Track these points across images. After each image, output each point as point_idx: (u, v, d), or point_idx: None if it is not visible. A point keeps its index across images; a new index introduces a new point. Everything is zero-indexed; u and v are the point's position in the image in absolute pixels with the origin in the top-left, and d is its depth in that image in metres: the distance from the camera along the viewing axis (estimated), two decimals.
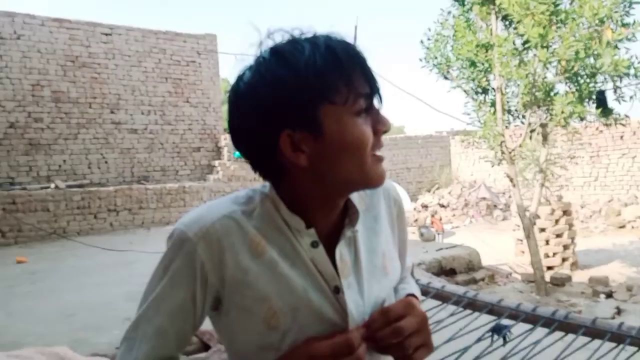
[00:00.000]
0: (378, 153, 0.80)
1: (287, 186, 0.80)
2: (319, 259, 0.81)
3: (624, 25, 6.62)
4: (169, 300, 0.80)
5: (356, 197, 0.87)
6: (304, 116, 0.73)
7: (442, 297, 3.27)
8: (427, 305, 3.06)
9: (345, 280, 0.83)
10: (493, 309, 2.95)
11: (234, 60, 0.80)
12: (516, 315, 2.80)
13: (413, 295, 0.97)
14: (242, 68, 0.79)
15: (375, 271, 0.88)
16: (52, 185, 10.91)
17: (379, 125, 0.78)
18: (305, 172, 0.77)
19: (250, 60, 0.79)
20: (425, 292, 3.25)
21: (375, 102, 0.78)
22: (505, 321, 2.87)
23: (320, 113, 0.73)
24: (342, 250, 0.84)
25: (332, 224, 0.84)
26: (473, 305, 3.08)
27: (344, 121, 0.74)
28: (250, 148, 0.80)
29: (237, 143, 0.81)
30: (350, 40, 0.77)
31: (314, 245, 0.81)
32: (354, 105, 0.75)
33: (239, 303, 0.80)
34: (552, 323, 2.54)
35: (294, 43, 0.74)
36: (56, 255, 8.44)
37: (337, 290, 0.81)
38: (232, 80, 0.81)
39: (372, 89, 0.76)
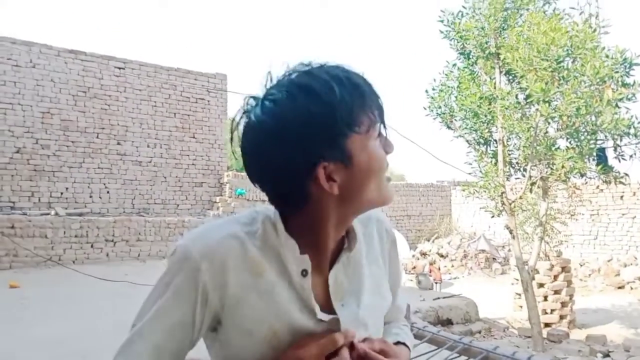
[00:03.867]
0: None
1: (306, 213, 0.81)
2: (305, 288, 0.82)
3: (624, 85, 6.78)
4: (167, 317, 0.80)
5: (355, 222, 0.89)
6: (337, 148, 0.77)
7: (437, 342, 3.23)
8: (421, 349, 3.02)
9: (339, 302, 0.85)
10: (488, 357, 2.91)
11: (242, 100, 0.83)
12: None
13: (405, 344, 0.97)
14: (251, 102, 0.81)
15: (372, 292, 0.90)
16: (52, 212, 10.91)
17: (388, 148, 0.84)
18: (333, 199, 0.80)
19: (256, 92, 0.81)
20: (421, 336, 3.21)
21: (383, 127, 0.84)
22: None
23: (348, 143, 0.78)
24: (337, 274, 0.86)
25: (336, 246, 0.86)
26: (468, 351, 3.04)
27: (368, 148, 0.80)
28: (278, 178, 0.79)
29: (259, 173, 0.81)
30: (356, 69, 0.82)
31: (303, 274, 0.82)
32: (374, 132, 0.80)
33: (240, 323, 0.81)
34: None
35: (317, 78, 0.78)
36: (50, 282, 8.36)
37: (320, 320, 0.82)
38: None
39: (382, 115, 0.82)
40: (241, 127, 0.82)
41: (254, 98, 0.81)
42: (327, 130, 0.76)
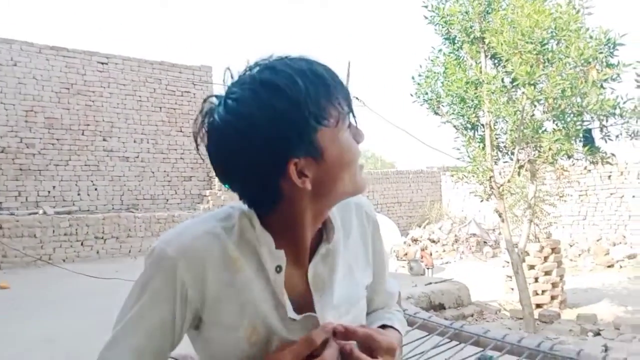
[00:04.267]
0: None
1: (281, 210, 0.80)
2: (278, 284, 0.81)
3: (608, 66, 6.80)
4: (147, 319, 0.79)
5: (334, 212, 0.88)
6: (306, 143, 0.75)
7: (428, 328, 3.25)
8: (412, 335, 3.03)
9: (319, 293, 0.84)
10: (479, 341, 2.93)
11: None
12: (502, 346, 2.78)
13: (394, 328, 0.96)
14: (213, 101, 0.79)
15: (344, 280, 0.89)
16: (40, 211, 10.81)
17: (358, 137, 0.83)
18: (306, 194, 0.79)
19: (221, 90, 0.80)
20: (412, 322, 3.23)
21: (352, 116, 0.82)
22: (490, 352, 2.86)
23: (318, 137, 0.76)
24: (316, 266, 0.85)
25: (314, 238, 0.85)
26: (459, 336, 3.07)
27: (339, 140, 0.78)
28: (248, 178, 0.78)
29: (228, 173, 0.80)
30: (318, 60, 0.80)
31: (277, 270, 0.81)
32: (343, 124, 0.79)
33: (220, 320, 0.80)
34: (537, 354, 2.54)
35: (280, 73, 0.75)
36: (40, 282, 8.31)
37: (292, 319, 0.81)
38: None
39: (350, 104, 0.80)
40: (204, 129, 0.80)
41: (217, 97, 0.79)
42: (294, 126, 0.74)
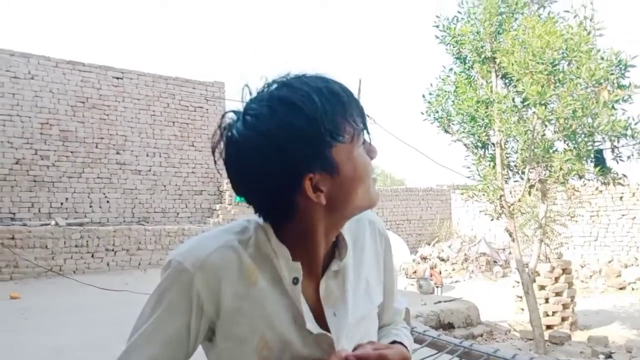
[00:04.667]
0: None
1: (295, 224, 0.82)
2: (295, 297, 0.83)
3: (620, 87, 6.80)
4: (163, 330, 0.80)
5: (345, 229, 0.89)
6: (322, 159, 0.78)
7: (438, 346, 3.25)
8: (422, 353, 3.03)
9: (330, 309, 0.86)
10: None
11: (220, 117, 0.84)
12: None
13: (402, 344, 0.97)
14: (231, 116, 0.82)
15: (360, 298, 0.91)
16: (52, 223, 10.92)
17: (372, 154, 0.85)
18: (321, 209, 0.81)
19: (239, 107, 0.82)
20: (421, 340, 3.22)
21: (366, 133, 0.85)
22: None
23: (333, 153, 0.78)
24: (327, 282, 0.87)
25: (326, 254, 0.87)
26: (468, 355, 3.06)
27: (353, 156, 0.81)
28: (264, 192, 0.80)
29: (244, 187, 0.82)
30: (334, 78, 0.83)
31: (294, 282, 0.83)
32: (358, 140, 0.81)
33: (233, 333, 0.82)
34: None
35: (297, 90, 0.78)
36: (51, 293, 8.36)
37: (310, 331, 0.83)
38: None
39: (364, 121, 0.83)
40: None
41: (235, 112, 0.82)
42: (310, 143, 0.76)
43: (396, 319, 1.07)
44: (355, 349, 0.83)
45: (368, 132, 0.85)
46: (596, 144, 7.36)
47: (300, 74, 0.81)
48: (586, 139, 7.25)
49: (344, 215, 0.85)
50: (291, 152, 0.76)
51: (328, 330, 0.85)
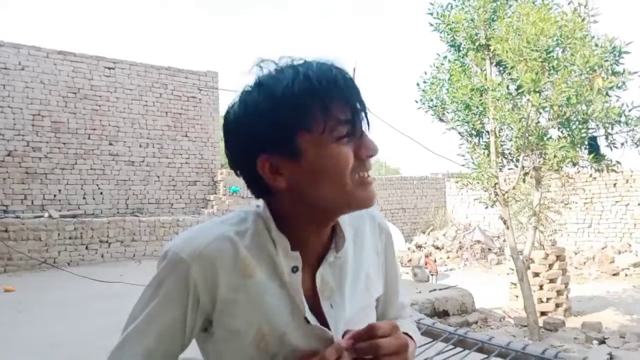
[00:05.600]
0: (366, 175, 0.80)
1: (273, 205, 0.83)
2: (294, 285, 0.82)
3: (614, 73, 6.80)
4: (159, 320, 0.80)
5: (346, 221, 0.88)
6: (280, 141, 0.76)
7: (433, 334, 3.25)
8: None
9: (327, 301, 0.84)
10: (483, 347, 2.93)
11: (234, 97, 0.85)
12: (506, 353, 2.78)
13: (407, 334, 0.94)
14: (233, 99, 0.84)
15: (359, 290, 0.89)
16: (46, 215, 10.86)
17: (362, 151, 0.79)
18: (285, 194, 0.80)
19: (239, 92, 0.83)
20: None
21: (361, 126, 0.78)
22: (494, 359, 2.85)
23: (298, 139, 0.76)
24: (323, 274, 0.85)
25: (322, 245, 0.86)
26: (463, 343, 3.06)
27: (322, 147, 0.76)
28: (239, 168, 0.83)
29: (233, 167, 0.85)
30: (341, 65, 0.79)
31: (293, 270, 0.82)
32: (333, 132, 0.76)
33: (229, 325, 0.81)
34: None
35: (279, 72, 0.78)
36: (45, 285, 8.33)
37: (307, 321, 0.82)
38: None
39: (355, 114, 0.77)
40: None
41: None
42: (271, 125, 0.76)
43: (402, 314, 1.05)
44: (344, 334, 0.81)
45: (359, 128, 0.78)
46: (590, 131, 7.38)
47: (297, 58, 0.80)
48: (580, 126, 7.27)
49: (317, 208, 0.80)
50: (250, 131, 0.78)
51: (326, 322, 0.83)
